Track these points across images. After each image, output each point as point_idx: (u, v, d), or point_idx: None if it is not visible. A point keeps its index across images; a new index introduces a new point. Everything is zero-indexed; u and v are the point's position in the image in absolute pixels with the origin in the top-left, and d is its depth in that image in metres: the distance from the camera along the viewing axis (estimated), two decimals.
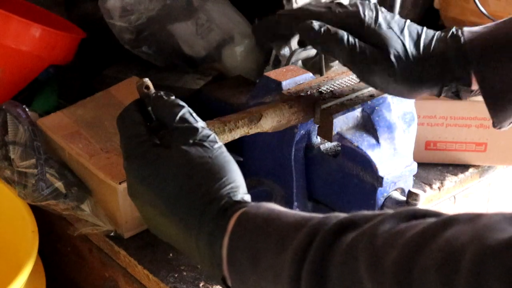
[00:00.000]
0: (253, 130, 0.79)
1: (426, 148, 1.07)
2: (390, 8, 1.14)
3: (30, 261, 0.88)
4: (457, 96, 0.82)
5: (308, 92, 0.85)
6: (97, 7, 1.12)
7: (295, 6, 1.07)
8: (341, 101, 0.84)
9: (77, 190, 0.94)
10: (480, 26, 0.81)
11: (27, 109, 0.99)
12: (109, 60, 1.22)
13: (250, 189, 0.91)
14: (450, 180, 1.06)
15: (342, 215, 0.57)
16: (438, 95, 0.81)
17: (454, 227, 0.49)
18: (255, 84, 0.93)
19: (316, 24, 0.79)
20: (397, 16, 0.81)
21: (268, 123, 0.79)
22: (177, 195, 0.65)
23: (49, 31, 1.09)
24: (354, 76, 0.88)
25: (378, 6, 0.81)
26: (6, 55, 1.08)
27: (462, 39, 0.79)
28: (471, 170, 1.08)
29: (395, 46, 0.78)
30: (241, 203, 0.63)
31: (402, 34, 0.79)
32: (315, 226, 0.57)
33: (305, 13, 0.83)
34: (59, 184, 0.94)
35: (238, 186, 0.65)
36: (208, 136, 0.67)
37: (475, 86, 0.80)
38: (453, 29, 0.80)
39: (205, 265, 0.64)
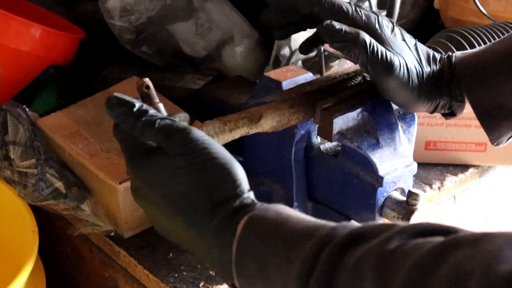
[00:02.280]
0: (253, 130, 0.79)
1: (426, 148, 1.07)
2: (390, 8, 1.14)
3: (30, 261, 0.88)
4: (451, 114, 0.85)
5: (308, 92, 0.85)
6: (97, 7, 1.12)
7: None
8: (341, 101, 0.84)
9: (77, 190, 0.94)
10: (475, 49, 0.85)
11: (27, 109, 0.99)
12: (109, 60, 1.22)
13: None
14: (450, 180, 1.06)
15: (350, 226, 0.57)
16: (433, 112, 0.84)
17: (460, 251, 0.49)
18: (255, 84, 0.93)
19: (336, 23, 0.79)
20: (408, 34, 0.83)
21: (268, 123, 0.79)
22: (184, 196, 0.64)
23: (49, 31, 1.09)
24: (354, 76, 0.88)
25: (392, 21, 0.83)
26: (6, 55, 1.08)
27: (453, 60, 0.82)
28: (471, 170, 1.08)
29: (410, 57, 0.80)
30: (249, 205, 0.63)
31: (415, 48, 0.81)
32: (323, 238, 0.56)
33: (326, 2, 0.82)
34: (59, 184, 0.94)
35: (244, 185, 0.64)
36: (203, 135, 0.66)
37: (468, 105, 0.82)
38: (449, 52, 0.83)
39: (215, 267, 0.64)
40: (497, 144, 0.83)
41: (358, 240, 0.55)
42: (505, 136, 0.82)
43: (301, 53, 0.89)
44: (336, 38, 0.79)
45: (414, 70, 0.80)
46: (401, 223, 0.56)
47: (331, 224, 0.59)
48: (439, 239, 0.51)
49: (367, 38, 0.78)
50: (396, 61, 0.78)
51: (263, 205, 0.63)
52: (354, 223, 0.58)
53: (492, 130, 0.81)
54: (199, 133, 0.66)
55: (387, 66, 0.78)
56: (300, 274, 0.55)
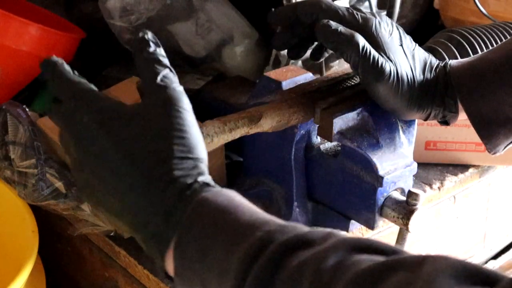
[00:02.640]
0: (253, 130, 0.79)
1: (426, 148, 1.07)
2: (390, 8, 1.14)
3: (30, 261, 0.88)
4: (444, 122, 0.84)
5: (308, 92, 0.85)
6: (97, 7, 1.12)
7: None
8: (341, 101, 0.84)
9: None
10: (470, 57, 0.84)
11: (27, 109, 0.99)
12: (109, 60, 1.22)
13: (250, 189, 0.92)
14: (450, 180, 1.06)
15: (301, 228, 0.56)
16: (425, 119, 0.83)
17: (398, 275, 0.48)
18: (255, 84, 0.93)
19: (333, 23, 0.79)
20: (408, 37, 0.82)
21: (268, 123, 0.79)
22: (139, 159, 0.61)
23: (49, 31, 1.09)
24: (354, 76, 0.88)
25: (394, 23, 0.82)
26: (6, 55, 1.08)
27: (448, 68, 0.82)
28: (471, 170, 1.08)
29: (404, 64, 0.79)
30: (204, 186, 0.61)
31: (412, 55, 0.81)
32: (270, 233, 0.55)
33: (324, 5, 0.82)
34: (59, 184, 0.94)
35: (205, 167, 0.62)
36: (187, 107, 0.63)
37: (463, 113, 0.82)
38: (446, 60, 0.83)
39: (149, 242, 0.62)
40: (494, 153, 0.82)
41: (305, 243, 0.54)
42: (502, 144, 0.81)
43: (314, 60, 0.89)
44: (330, 38, 0.78)
45: (406, 78, 0.79)
46: (340, 233, 0.55)
47: (279, 221, 0.57)
48: (379, 258, 0.51)
49: (361, 41, 0.77)
50: (387, 68, 0.78)
51: (217, 188, 0.61)
52: (304, 227, 0.57)
53: (489, 139, 0.81)
54: (185, 104, 0.63)
55: (378, 72, 0.78)
56: (240, 266, 0.54)
